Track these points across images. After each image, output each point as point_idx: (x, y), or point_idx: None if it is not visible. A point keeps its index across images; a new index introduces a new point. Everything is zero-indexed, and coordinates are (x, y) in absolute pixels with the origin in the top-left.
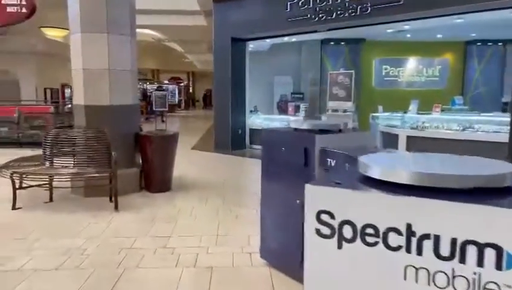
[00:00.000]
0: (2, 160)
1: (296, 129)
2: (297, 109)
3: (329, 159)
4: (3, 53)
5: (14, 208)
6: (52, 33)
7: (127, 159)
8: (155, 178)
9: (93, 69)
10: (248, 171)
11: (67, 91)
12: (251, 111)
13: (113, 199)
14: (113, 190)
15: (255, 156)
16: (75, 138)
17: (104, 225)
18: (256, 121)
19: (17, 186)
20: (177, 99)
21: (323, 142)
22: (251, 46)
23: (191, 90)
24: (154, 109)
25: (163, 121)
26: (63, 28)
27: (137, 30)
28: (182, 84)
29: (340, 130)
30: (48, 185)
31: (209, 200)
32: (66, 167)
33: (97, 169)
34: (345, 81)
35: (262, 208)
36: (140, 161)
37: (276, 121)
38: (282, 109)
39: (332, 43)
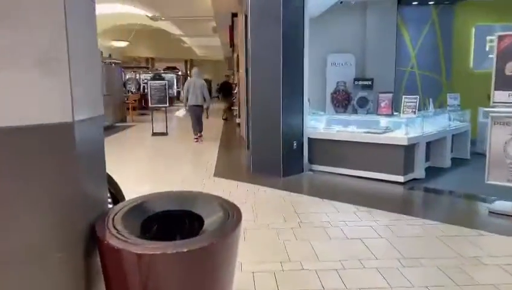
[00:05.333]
0: None
1: None
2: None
3: None
4: None
5: None
6: None
7: None
8: None
9: None
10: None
11: None
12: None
13: None
14: None
15: (331, 195)
16: None
17: None
18: (316, 125)
19: None
20: (175, 91)
21: None
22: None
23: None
24: (150, 104)
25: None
26: None
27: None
28: (179, 73)
29: None
30: None
31: None
32: None
33: None
34: None
35: None
36: None
37: (352, 125)
38: (339, 103)
39: (415, 3)
